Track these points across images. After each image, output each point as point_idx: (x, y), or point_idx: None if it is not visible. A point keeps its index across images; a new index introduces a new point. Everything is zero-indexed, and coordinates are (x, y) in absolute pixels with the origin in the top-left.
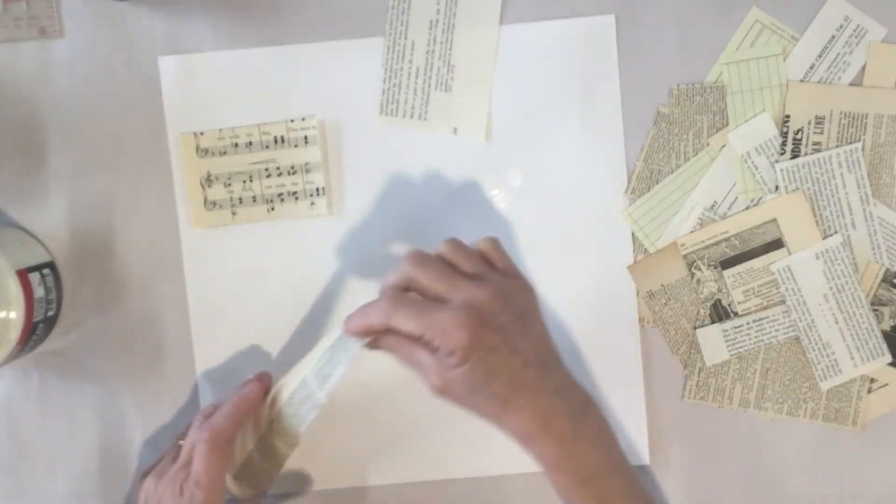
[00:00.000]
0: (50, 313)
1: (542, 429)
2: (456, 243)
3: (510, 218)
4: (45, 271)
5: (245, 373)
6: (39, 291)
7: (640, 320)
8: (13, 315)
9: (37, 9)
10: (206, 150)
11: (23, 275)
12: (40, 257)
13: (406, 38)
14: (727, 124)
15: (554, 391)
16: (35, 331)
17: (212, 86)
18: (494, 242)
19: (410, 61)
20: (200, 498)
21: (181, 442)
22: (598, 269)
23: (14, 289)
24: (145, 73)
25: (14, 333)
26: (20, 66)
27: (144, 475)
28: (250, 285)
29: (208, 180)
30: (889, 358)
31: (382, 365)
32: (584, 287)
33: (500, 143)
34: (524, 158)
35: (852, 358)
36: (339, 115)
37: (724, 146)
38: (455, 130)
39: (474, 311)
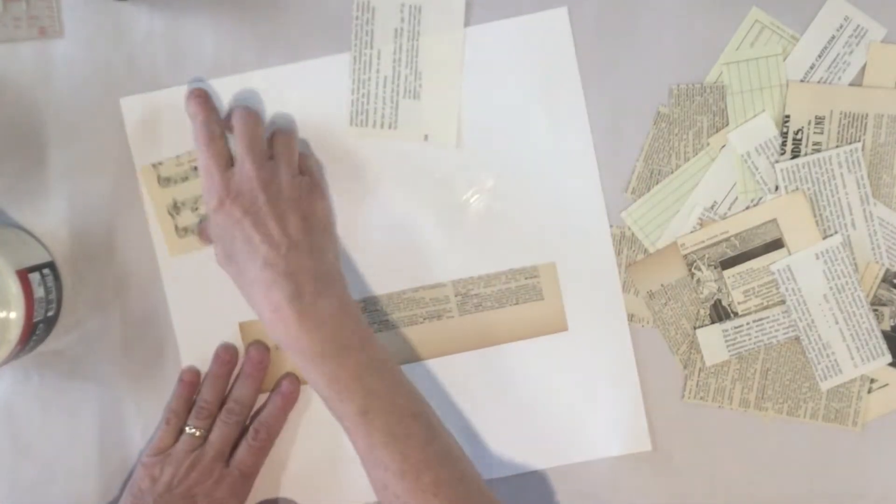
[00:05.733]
0: (50, 313)
1: (266, 303)
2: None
3: (486, 220)
4: (45, 271)
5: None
6: (39, 291)
7: (640, 320)
8: (13, 315)
9: (37, 9)
10: (168, 179)
11: (23, 275)
12: (40, 257)
13: (372, 48)
14: (727, 124)
15: (289, 272)
16: (35, 331)
17: (173, 117)
18: (287, 137)
19: (377, 70)
20: (242, 484)
21: (192, 430)
22: (579, 262)
23: (14, 289)
24: (145, 73)
25: (14, 333)
26: (20, 66)
27: (143, 460)
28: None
29: (175, 208)
30: (889, 358)
31: None
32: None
33: (472, 145)
34: (495, 160)
35: (852, 358)
36: (304, 132)
37: (724, 146)
38: (426, 137)
39: (227, 178)
